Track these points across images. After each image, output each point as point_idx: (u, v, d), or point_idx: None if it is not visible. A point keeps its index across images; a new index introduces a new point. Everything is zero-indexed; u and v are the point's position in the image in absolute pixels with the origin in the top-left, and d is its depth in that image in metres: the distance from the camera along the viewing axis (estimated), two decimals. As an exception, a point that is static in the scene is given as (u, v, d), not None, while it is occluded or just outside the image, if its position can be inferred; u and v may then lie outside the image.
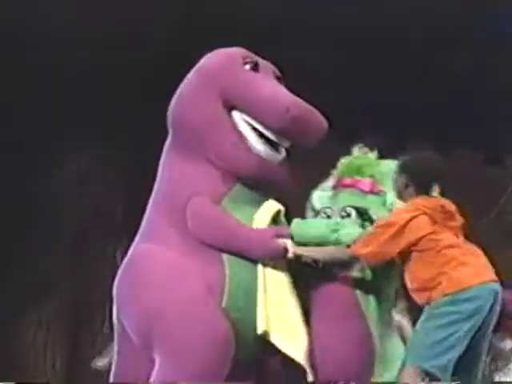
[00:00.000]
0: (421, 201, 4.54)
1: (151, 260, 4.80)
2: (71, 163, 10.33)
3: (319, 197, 5.13)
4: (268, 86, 4.97)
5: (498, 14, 9.35)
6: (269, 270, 4.70)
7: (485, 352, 4.65)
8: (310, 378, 4.61)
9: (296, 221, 4.90)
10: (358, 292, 4.67)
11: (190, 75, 5.18)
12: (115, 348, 5.06)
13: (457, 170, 9.37)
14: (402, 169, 4.63)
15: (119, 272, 4.93)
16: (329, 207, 4.96)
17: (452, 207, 4.61)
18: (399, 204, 4.82)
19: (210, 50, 5.56)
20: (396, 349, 4.81)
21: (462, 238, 4.68)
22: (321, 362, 4.67)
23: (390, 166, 4.97)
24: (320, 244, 4.77)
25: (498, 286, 4.58)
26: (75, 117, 9.64)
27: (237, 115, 4.93)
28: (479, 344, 4.45)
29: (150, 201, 5.10)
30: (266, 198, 4.97)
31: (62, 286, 10.07)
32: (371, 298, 4.69)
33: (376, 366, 4.62)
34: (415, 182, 4.56)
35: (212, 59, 5.20)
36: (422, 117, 9.22)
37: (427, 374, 4.36)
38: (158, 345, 4.57)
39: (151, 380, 4.61)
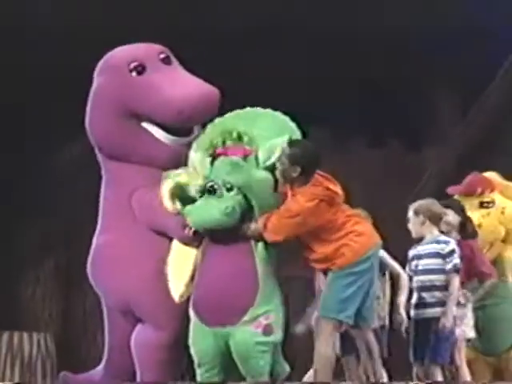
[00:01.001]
0: (314, 189, 4.84)
1: (112, 250, 5.25)
2: (69, 151, 10.43)
3: (200, 160, 5.12)
4: (159, 89, 5.11)
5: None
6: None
7: (374, 294, 5.14)
8: (178, 298, 5.01)
9: (188, 210, 4.96)
10: (251, 242, 4.96)
11: (90, 95, 5.38)
12: (106, 319, 5.49)
13: (379, 158, 10.79)
14: (294, 161, 4.81)
15: (89, 260, 5.38)
16: (212, 180, 4.98)
17: (334, 184, 4.95)
18: (274, 158, 4.92)
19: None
20: (276, 288, 5.09)
21: (344, 205, 5.04)
22: (212, 290, 4.97)
23: (254, 122, 5.10)
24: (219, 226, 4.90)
25: (380, 248, 5.15)
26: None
27: (141, 121, 5.21)
28: (369, 294, 4.94)
29: (101, 197, 5.48)
30: None
31: (57, 250, 10.61)
32: (260, 245, 4.96)
33: (258, 296, 4.94)
34: (307, 172, 4.84)
35: (101, 78, 5.37)
36: (351, 110, 9.67)
37: (339, 322, 4.87)
38: (137, 310, 5.17)
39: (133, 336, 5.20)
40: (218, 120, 5.19)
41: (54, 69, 9.46)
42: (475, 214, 6.24)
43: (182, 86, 5.15)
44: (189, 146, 5.17)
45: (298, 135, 5.14)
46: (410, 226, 5.75)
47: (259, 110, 5.22)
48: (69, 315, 10.83)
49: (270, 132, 5.07)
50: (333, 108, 9.39)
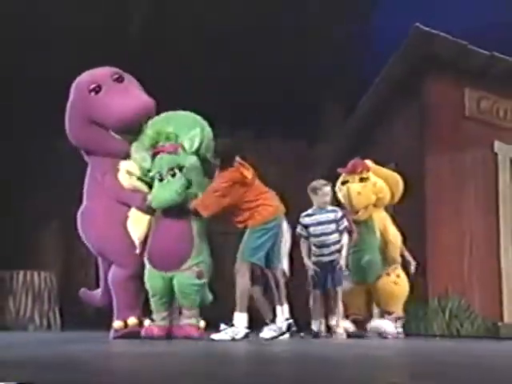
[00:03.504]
0: (230, 174, 5.45)
1: (91, 213, 5.89)
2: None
3: (143, 158, 5.62)
4: (107, 105, 5.58)
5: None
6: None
7: (279, 245, 5.78)
8: (138, 250, 5.60)
9: (154, 193, 5.53)
10: (191, 217, 5.63)
11: (67, 110, 5.88)
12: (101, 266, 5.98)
13: (284, 152, 11.57)
14: (217, 153, 5.57)
15: (78, 221, 5.95)
16: (159, 171, 5.55)
17: (248, 170, 5.47)
18: (196, 145, 5.49)
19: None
20: (205, 246, 5.71)
21: (258, 182, 5.57)
22: (161, 247, 5.60)
23: (171, 124, 5.61)
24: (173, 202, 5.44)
25: (283, 215, 5.74)
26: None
27: (100, 126, 5.76)
28: (274, 245, 5.67)
29: (85, 179, 6.06)
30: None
31: (59, 214, 11.52)
32: (196, 221, 5.64)
33: (193, 251, 5.59)
34: (223, 161, 5.53)
35: (72, 97, 5.84)
36: (270, 116, 10.14)
37: (252, 264, 5.54)
38: (108, 255, 5.83)
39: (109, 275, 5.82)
40: (149, 123, 5.67)
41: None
42: (356, 186, 7.08)
43: (126, 99, 5.64)
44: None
45: (208, 128, 5.68)
46: (323, 198, 6.42)
47: (178, 112, 5.72)
48: (67, 260, 11.83)
49: (187, 127, 5.61)
50: (255, 114, 9.74)
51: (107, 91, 5.70)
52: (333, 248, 6.55)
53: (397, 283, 7.14)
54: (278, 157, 11.23)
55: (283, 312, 5.69)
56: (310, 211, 6.66)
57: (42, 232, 11.79)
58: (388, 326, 6.89)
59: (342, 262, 6.43)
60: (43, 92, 9.62)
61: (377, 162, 7.48)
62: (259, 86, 10.09)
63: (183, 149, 5.55)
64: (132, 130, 5.73)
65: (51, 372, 2.58)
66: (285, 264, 6.77)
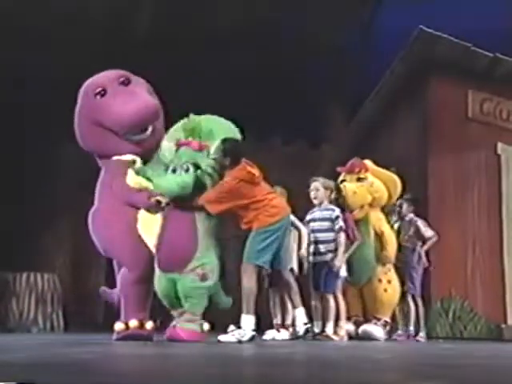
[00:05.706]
0: (237, 172, 5.34)
1: (99, 215, 5.85)
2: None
3: (168, 148, 5.56)
4: (112, 109, 5.58)
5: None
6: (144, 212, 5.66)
7: (286, 246, 5.66)
8: (154, 250, 5.48)
9: (155, 180, 5.44)
10: (195, 214, 5.45)
11: (75, 115, 5.88)
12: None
13: (289, 153, 11.62)
14: (223, 152, 5.40)
15: (89, 222, 5.89)
16: (176, 163, 5.43)
17: (253, 168, 5.37)
18: (218, 154, 5.40)
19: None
20: (211, 246, 5.49)
21: (264, 183, 5.49)
22: (166, 247, 5.47)
23: (210, 125, 5.53)
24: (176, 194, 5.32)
25: (290, 216, 5.65)
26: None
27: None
28: (281, 247, 5.53)
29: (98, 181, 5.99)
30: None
31: (65, 217, 11.79)
32: (203, 221, 5.45)
33: (197, 252, 5.39)
34: (232, 161, 5.42)
35: (79, 101, 5.87)
36: (270, 118, 10.19)
37: (258, 266, 5.41)
38: (117, 258, 5.81)
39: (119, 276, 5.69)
40: (191, 117, 5.59)
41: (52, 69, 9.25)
42: (353, 185, 7.17)
43: (127, 101, 5.61)
44: (149, 139, 5.78)
45: (239, 135, 5.60)
46: (317, 194, 6.55)
47: (213, 116, 5.63)
48: (71, 262, 11.92)
49: (219, 132, 5.51)
50: (257, 116, 9.71)
51: (112, 94, 5.68)
52: (327, 246, 6.53)
53: (386, 290, 7.12)
54: (280, 159, 11.24)
55: (299, 315, 5.58)
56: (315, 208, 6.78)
57: (45, 234, 11.81)
58: (377, 331, 6.87)
59: (337, 262, 6.40)
60: (47, 93, 9.70)
61: (377, 164, 7.50)
62: (260, 86, 10.21)
63: (208, 152, 5.51)
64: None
65: (52, 372, 2.55)
66: (294, 263, 6.76)
